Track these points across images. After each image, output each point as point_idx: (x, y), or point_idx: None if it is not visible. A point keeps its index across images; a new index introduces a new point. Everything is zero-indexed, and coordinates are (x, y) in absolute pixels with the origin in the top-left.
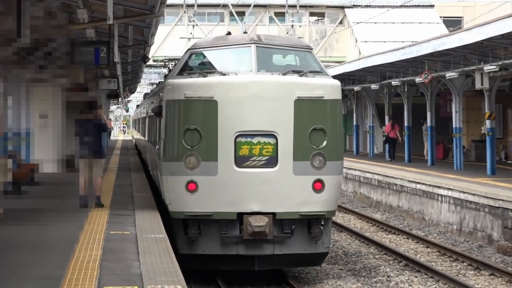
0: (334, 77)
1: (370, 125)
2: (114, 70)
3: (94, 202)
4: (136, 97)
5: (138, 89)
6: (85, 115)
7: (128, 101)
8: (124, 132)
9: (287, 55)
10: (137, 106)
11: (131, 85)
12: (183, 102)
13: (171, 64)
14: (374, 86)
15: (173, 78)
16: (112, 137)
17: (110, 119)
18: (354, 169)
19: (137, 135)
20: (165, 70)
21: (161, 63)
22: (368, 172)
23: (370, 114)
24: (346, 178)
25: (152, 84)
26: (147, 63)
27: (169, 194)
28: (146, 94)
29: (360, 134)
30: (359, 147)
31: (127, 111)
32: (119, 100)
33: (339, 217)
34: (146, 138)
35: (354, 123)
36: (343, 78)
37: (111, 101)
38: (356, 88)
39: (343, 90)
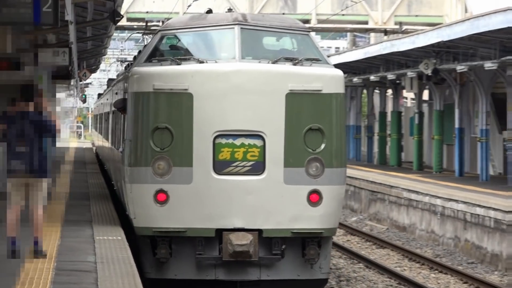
0: (419, 49)
1: (483, 129)
2: (64, 35)
3: (32, 249)
4: (99, 79)
5: (102, 66)
6: (17, 107)
7: (87, 86)
8: (79, 135)
9: (281, 38)
10: (99, 95)
11: (91, 60)
12: (152, 95)
13: (156, 26)
14: (489, 65)
15: (140, 66)
16: (58, 144)
17: (56, 115)
18: (456, 201)
19: (99, 140)
20: (147, 38)
21: (140, 23)
22: (479, 205)
23: (483, 111)
24: (442, 215)
25: (123, 61)
26: (118, 24)
27: (133, 206)
28: (110, 80)
29: (466, 143)
30: (463, 164)
31: (84, 101)
32: (72, 84)
33: (432, 281)
34: (111, 144)
35: (456, 126)
36: (438, 51)
37: (58, 85)
38: (460, 68)
39: (438, 72)
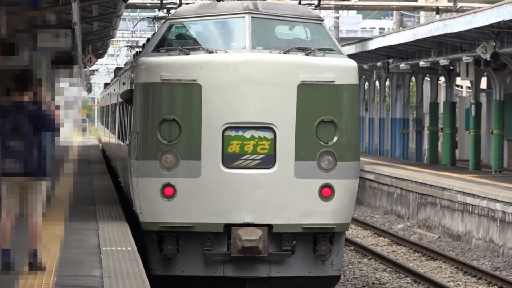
0: (477, 30)
1: None
2: (66, 14)
3: (28, 262)
4: (106, 66)
5: (111, 51)
6: (12, 98)
7: (92, 73)
8: (84, 130)
9: (294, 27)
10: (105, 85)
11: (97, 43)
12: (159, 86)
13: (172, 3)
14: None
15: (147, 56)
16: (61, 140)
17: (57, 106)
18: None
19: (106, 136)
20: (162, 14)
21: (154, 0)
22: None
23: None
24: (503, 221)
25: (133, 47)
26: (129, 1)
27: (140, 201)
28: (117, 70)
29: None
30: None
31: (90, 90)
32: (75, 71)
33: None
34: (117, 138)
35: None
36: (498, 32)
37: (60, 73)
38: None
39: (498, 56)
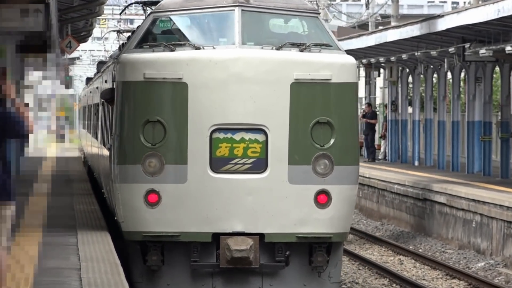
0: None
1: None
2: None
3: None
4: (91, 53)
5: (97, 32)
6: None
7: (73, 62)
8: (62, 137)
9: (290, 20)
10: (88, 80)
11: (79, 23)
12: (142, 85)
13: None
14: None
15: (129, 52)
16: (30, 151)
17: (26, 104)
18: None
19: (89, 143)
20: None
21: None
22: None
23: None
24: None
25: (120, 32)
26: None
27: (122, 209)
28: (100, 64)
29: None
30: None
31: (69, 85)
32: (50, 59)
33: None
34: (100, 142)
35: None
36: None
37: (30, 62)
38: None
39: None
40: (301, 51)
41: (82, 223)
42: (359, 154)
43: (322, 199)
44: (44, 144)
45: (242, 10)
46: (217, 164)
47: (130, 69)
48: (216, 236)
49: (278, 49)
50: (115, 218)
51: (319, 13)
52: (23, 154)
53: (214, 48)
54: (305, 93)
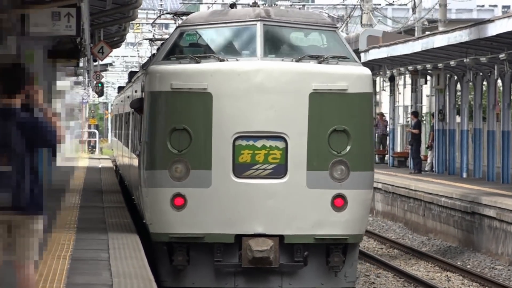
0: None
1: None
2: None
3: None
4: (124, 59)
5: (130, 38)
6: None
7: (105, 69)
8: (93, 148)
9: (310, 33)
10: (120, 89)
11: (112, 28)
12: (169, 95)
13: None
14: None
15: (157, 64)
16: (60, 160)
17: (55, 113)
18: None
19: (120, 152)
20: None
21: None
22: None
23: None
24: None
25: (153, 41)
26: None
27: (150, 212)
28: (132, 74)
29: None
30: None
31: (101, 92)
32: (81, 66)
33: None
34: (130, 150)
35: None
36: None
37: (58, 68)
38: None
39: None
40: (319, 63)
41: (115, 237)
42: (374, 161)
43: (339, 202)
44: (75, 154)
45: (264, 24)
46: (240, 169)
47: (158, 80)
48: (239, 238)
49: (297, 61)
50: (144, 221)
51: (337, 27)
52: (53, 165)
53: (237, 60)
54: (323, 103)
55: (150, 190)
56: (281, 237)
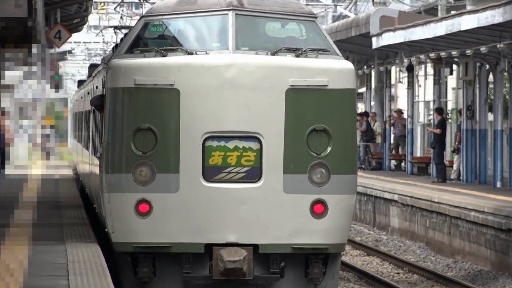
0: None
1: None
2: None
3: None
4: (86, 45)
5: (94, 20)
6: None
7: (63, 57)
8: (48, 153)
9: (288, 24)
10: (79, 83)
11: (71, 8)
12: (133, 91)
13: None
14: None
15: (120, 57)
16: (10, 169)
17: (3, 111)
18: None
19: (80, 155)
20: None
21: None
22: None
23: None
24: None
25: (118, 29)
26: None
27: (112, 219)
28: (92, 67)
29: None
30: None
31: (59, 86)
32: (34, 53)
33: None
34: (91, 152)
35: None
36: None
37: (7, 56)
38: None
39: None
40: (297, 56)
41: (76, 260)
42: (357, 164)
43: (318, 209)
44: (28, 160)
45: (236, 14)
46: (210, 173)
47: (120, 75)
48: (209, 247)
49: (273, 54)
50: (105, 229)
51: (316, 17)
52: (1, 174)
53: (207, 53)
54: (301, 100)
55: (112, 195)
56: (255, 247)
